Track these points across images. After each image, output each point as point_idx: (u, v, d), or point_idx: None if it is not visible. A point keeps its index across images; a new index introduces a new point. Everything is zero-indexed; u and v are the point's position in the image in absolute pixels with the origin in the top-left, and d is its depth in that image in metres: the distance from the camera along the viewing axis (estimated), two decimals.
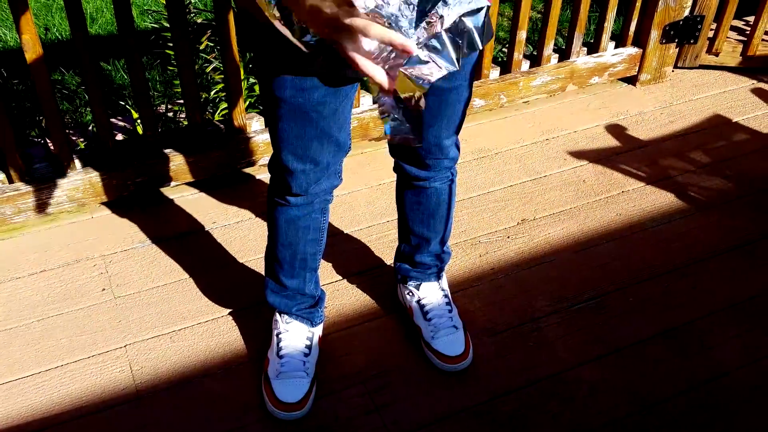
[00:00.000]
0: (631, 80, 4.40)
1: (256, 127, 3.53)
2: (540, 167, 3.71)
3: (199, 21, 3.94)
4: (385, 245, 3.24)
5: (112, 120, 3.62)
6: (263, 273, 2.74)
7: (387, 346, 2.84)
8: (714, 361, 2.81)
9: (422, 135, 1.73)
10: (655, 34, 4.18)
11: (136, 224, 3.33)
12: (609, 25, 4.12)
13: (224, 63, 3.29)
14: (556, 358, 2.81)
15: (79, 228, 3.31)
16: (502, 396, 2.67)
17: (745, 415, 2.63)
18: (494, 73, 4.00)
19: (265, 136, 3.49)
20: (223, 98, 3.74)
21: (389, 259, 3.16)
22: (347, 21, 1.51)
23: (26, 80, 4.62)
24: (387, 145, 2.53)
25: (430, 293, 2.84)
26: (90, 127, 3.70)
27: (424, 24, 1.54)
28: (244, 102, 3.48)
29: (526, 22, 3.90)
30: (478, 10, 1.60)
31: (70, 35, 3.30)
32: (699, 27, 4.24)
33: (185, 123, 3.57)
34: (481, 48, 1.68)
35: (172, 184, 3.45)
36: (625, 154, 3.82)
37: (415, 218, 2.71)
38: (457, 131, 2.42)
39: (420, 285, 2.85)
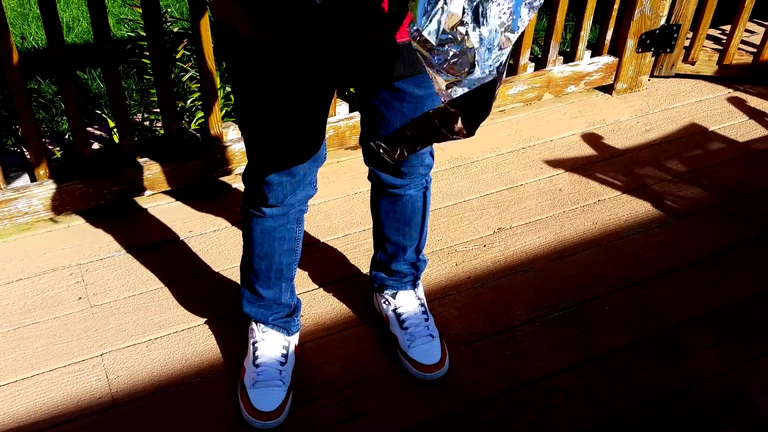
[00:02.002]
0: (608, 89, 4.41)
1: (232, 135, 3.53)
2: (516, 176, 3.72)
3: (175, 30, 3.94)
4: (361, 254, 3.25)
5: (89, 129, 3.61)
6: (239, 282, 2.74)
7: (363, 355, 2.84)
8: (689, 370, 2.82)
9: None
10: (631, 43, 4.20)
11: (112, 233, 3.32)
12: (585, 34, 4.14)
13: (200, 72, 3.29)
14: (532, 367, 2.81)
15: (55, 237, 3.30)
16: (478, 404, 2.67)
17: (720, 425, 2.64)
18: None
19: (241, 145, 3.49)
20: (200, 107, 3.73)
21: (365, 268, 3.16)
22: None
23: (2, 89, 4.60)
24: (362, 154, 2.53)
25: (406, 302, 2.85)
26: (66, 136, 3.69)
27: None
28: (221, 111, 3.48)
29: None
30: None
31: (47, 44, 3.30)
32: (675, 36, 4.26)
33: (161, 132, 3.57)
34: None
35: (149, 193, 3.45)
36: (602, 162, 3.83)
37: (391, 226, 2.71)
38: None
39: (396, 294, 2.86)
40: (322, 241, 3.32)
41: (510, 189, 3.63)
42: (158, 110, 3.61)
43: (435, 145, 2.48)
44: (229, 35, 2.07)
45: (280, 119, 2.17)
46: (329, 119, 3.52)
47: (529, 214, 3.49)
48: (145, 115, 3.83)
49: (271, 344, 2.68)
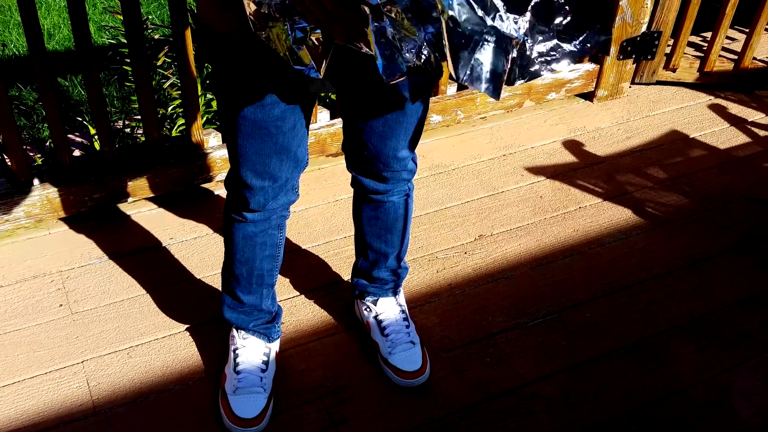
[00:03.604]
0: (589, 96, 4.42)
1: (213, 142, 3.53)
2: (497, 183, 3.72)
3: (156, 37, 3.94)
4: (342, 261, 3.24)
5: (70, 136, 3.60)
6: (220, 289, 2.73)
7: (344, 362, 2.84)
8: (671, 377, 2.82)
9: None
10: (612, 50, 4.20)
11: (93, 240, 3.32)
12: None
13: (181, 79, 3.28)
14: (513, 374, 2.81)
15: (36, 244, 3.29)
16: (459, 411, 2.68)
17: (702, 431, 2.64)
18: (451, 89, 4.00)
19: (222, 152, 3.49)
20: (181, 114, 3.73)
21: (346, 275, 3.16)
22: None
23: None
24: (345, 161, 2.53)
25: (388, 309, 2.85)
26: (47, 143, 3.68)
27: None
28: (202, 118, 3.47)
29: None
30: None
31: (28, 51, 3.29)
32: (656, 43, 4.27)
33: (143, 139, 3.57)
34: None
35: (130, 199, 3.44)
36: (583, 170, 3.84)
37: (373, 233, 2.71)
38: (414, 145, 2.42)
39: (377, 300, 2.85)
40: (303, 247, 3.32)
41: (491, 196, 3.64)
42: (139, 117, 3.61)
43: (417, 152, 2.49)
44: (208, 33, 2.07)
45: (260, 121, 2.17)
46: (311, 126, 3.52)
47: (510, 221, 3.49)
48: (126, 122, 3.82)
49: (251, 351, 2.68)
